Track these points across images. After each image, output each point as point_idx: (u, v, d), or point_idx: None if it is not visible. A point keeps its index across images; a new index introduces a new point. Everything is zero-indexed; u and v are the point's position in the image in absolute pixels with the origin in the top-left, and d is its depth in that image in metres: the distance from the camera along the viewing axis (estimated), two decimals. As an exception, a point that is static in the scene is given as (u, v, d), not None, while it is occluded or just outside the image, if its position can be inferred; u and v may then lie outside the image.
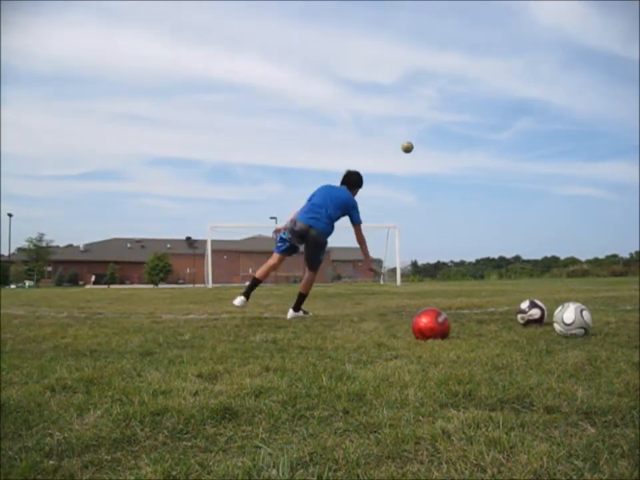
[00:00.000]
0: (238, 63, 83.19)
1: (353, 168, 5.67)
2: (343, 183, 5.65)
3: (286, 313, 5.48)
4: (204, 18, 76.66)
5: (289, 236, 5.47)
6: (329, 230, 5.46)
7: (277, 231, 5.81)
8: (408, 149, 5.56)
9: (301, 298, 5.50)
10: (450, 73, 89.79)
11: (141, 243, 56.36)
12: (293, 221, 5.45)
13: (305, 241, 5.43)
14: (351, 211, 5.48)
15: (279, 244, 5.63)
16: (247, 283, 5.86)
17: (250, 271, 50.98)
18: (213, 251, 28.72)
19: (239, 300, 5.52)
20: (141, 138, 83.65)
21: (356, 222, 5.50)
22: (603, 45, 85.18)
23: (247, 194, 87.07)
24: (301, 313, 5.48)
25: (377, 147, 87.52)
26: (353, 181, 5.62)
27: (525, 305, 4.09)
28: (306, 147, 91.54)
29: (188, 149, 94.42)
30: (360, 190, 5.69)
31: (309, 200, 5.57)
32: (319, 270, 5.61)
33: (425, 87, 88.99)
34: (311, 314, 5.54)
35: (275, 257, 5.62)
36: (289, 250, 5.57)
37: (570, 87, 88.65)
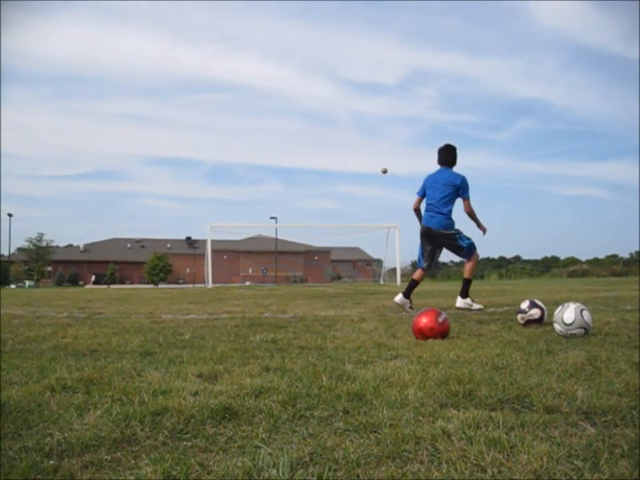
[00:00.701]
0: (238, 63, 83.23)
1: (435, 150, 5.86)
2: (442, 162, 5.78)
3: (285, 313, 5.48)
4: (204, 18, 76.74)
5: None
6: (445, 221, 5.66)
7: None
8: (384, 172, 6.44)
9: (466, 284, 5.66)
10: (450, 72, 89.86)
11: (141, 243, 56.38)
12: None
13: (432, 240, 5.75)
14: (461, 189, 5.67)
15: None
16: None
17: (250, 270, 51.08)
18: (213, 251, 28.72)
19: (399, 297, 5.80)
20: (141, 138, 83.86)
21: (462, 197, 5.69)
22: (603, 45, 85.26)
23: (247, 194, 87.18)
24: (469, 300, 5.63)
25: (376, 147, 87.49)
26: (450, 158, 5.79)
27: (525, 305, 4.09)
28: (306, 147, 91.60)
29: (188, 149, 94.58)
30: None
31: (421, 192, 5.81)
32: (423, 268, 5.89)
33: (425, 87, 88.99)
34: (481, 307, 5.63)
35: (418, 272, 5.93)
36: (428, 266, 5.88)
37: (570, 86, 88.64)
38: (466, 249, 5.68)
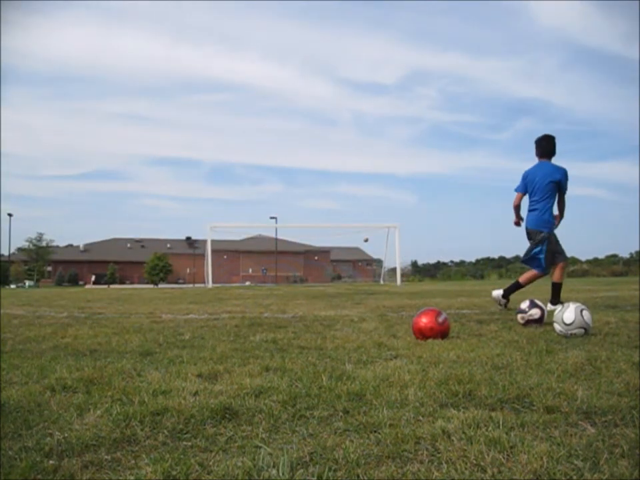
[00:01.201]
0: (238, 63, 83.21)
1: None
2: (540, 154, 5.44)
3: (285, 313, 5.48)
4: (204, 18, 76.65)
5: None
6: (539, 217, 5.35)
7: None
8: (366, 240, 6.57)
9: (514, 286, 5.53)
10: (450, 72, 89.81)
11: (141, 243, 56.38)
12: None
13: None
14: (562, 183, 5.35)
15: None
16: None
17: (250, 270, 51.09)
18: (213, 251, 28.73)
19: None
20: (141, 138, 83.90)
21: (561, 190, 5.40)
22: (603, 45, 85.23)
23: (247, 194, 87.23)
24: (503, 300, 5.57)
25: (376, 147, 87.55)
26: (549, 149, 5.44)
27: (525, 305, 4.09)
28: (306, 147, 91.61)
29: (188, 149, 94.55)
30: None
31: (521, 188, 5.50)
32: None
33: (425, 86, 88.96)
34: (504, 309, 5.56)
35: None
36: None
37: (570, 86, 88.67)
38: (534, 259, 5.38)
